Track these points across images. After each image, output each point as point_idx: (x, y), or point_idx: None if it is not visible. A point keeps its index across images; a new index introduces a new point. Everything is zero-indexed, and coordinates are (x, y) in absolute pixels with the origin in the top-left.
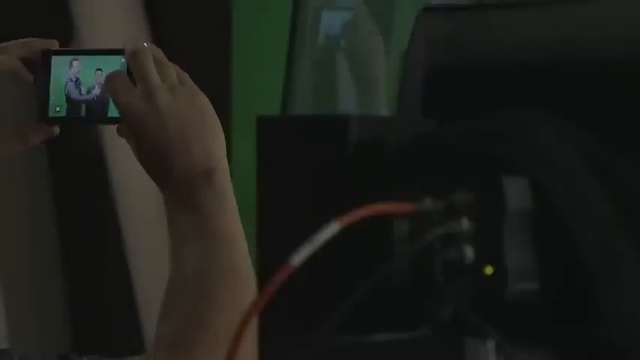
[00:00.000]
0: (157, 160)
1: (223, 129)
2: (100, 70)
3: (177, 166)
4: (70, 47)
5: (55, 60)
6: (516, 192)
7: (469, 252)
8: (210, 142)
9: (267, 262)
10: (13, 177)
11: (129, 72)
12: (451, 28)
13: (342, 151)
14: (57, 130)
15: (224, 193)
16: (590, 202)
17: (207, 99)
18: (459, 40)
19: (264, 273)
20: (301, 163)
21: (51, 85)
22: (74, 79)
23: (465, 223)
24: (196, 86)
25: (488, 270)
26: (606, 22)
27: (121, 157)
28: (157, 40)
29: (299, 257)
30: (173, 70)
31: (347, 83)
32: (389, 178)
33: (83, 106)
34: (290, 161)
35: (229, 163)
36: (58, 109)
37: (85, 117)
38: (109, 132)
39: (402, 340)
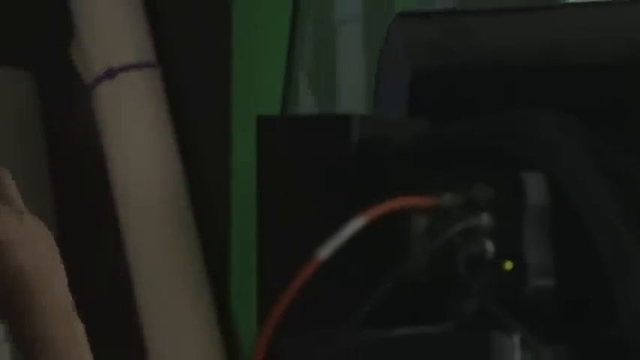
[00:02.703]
0: None
1: (223, 129)
2: None
3: None
4: (70, 47)
5: None
6: (535, 187)
7: (489, 247)
8: None
9: (267, 261)
10: (12, 177)
11: None
12: (432, 33)
13: (343, 151)
14: None
15: None
16: (603, 201)
17: None
18: (441, 44)
19: (264, 273)
20: (301, 162)
21: None
22: None
23: (485, 219)
24: None
25: (508, 265)
26: (581, 29)
27: (121, 157)
28: (157, 40)
29: (325, 251)
30: None
31: (347, 82)
32: (391, 177)
33: None
34: (290, 161)
35: (229, 162)
36: None
37: None
38: (109, 131)
39: (427, 335)
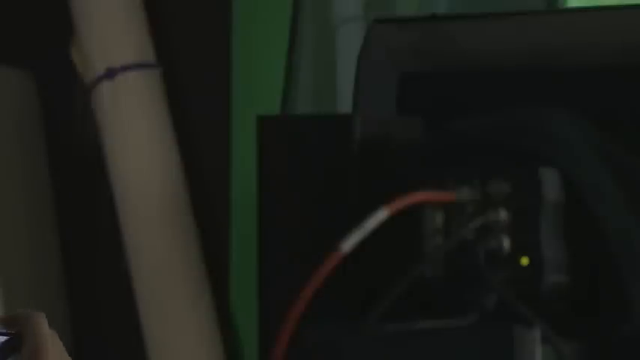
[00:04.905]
0: None
1: (223, 129)
2: None
3: None
4: (70, 47)
5: None
6: (552, 183)
7: (506, 242)
8: None
9: (267, 262)
10: (12, 177)
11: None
12: (413, 37)
13: (344, 151)
14: None
15: None
16: (616, 200)
17: None
18: (423, 48)
19: (264, 273)
20: (301, 162)
21: None
22: None
23: (503, 214)
24: None
25: (524, 261)
26: (564, 34)
27: (121, 157)
28: (157, 40)
29: (348, 244)
30: None
31: (347, 82)
32: (399, 175)
33: None
34: (290, 161)
35: (229, 162)
36: None
37: None
38: (109, 131)
39: (450, 327)
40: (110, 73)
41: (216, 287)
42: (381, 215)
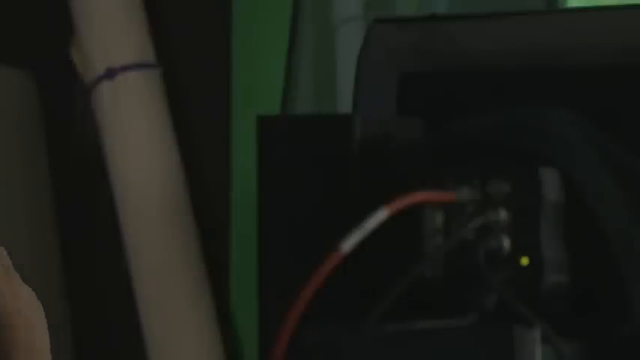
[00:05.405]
0: None
1: (223, 129)
2: None
3: None
4: (70, 47)
5: None
6: (552, 183)
7: (506, 243)
8: None
9: (267, 262)
10: (12, 177)
11: None
12: (413, 37)
13: (344, 151)
14: None
15: None
16: (616, 201)
17: None
18: (423, 48)
19: (264, 273)
20: (302, 162)
21: None
22: None
23: (503, 214)
24: None
25: (524, 261)
26: (563, 33)
27: (121, 157)
28: (157, 40)
29: (348, 244)
30: None
31: (347, 83)
32: (399, 175)
33: None
34: (290, 161)
35: (229, 162)
36: None
37: None
38: (109, 131)
39: (450, 328)
40: (110, 73)
41: (216, 287)
42: (381, 215)
